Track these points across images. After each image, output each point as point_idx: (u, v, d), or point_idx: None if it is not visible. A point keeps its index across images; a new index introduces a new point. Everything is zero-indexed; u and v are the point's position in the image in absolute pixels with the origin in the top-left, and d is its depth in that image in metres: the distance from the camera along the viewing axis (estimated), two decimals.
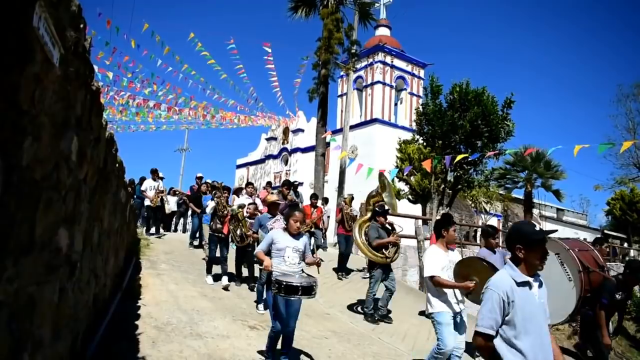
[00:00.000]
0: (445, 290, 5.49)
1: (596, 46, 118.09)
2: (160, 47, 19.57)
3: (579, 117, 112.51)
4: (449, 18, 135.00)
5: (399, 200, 22.90)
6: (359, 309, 8.94)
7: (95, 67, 16.24)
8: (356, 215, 12.01)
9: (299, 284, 4.89)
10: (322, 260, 5.22)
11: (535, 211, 29.63)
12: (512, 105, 13.52)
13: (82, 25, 2.41)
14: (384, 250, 8.45)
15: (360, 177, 22.50)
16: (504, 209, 33.81)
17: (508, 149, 15.17)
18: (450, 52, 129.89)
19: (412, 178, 22.00)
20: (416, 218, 15.53)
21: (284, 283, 4.84)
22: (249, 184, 11.65)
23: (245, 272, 9.41)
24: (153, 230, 13.25)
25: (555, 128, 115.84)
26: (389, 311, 8.91)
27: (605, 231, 36.58)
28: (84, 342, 3.81)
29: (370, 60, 32.42)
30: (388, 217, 9.09)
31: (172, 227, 16.02)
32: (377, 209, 8.95)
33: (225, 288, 8.65)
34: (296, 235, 5.31)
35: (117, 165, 5.13)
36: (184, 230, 15.80)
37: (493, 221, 31.18)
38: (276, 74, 23.16)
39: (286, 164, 37.85)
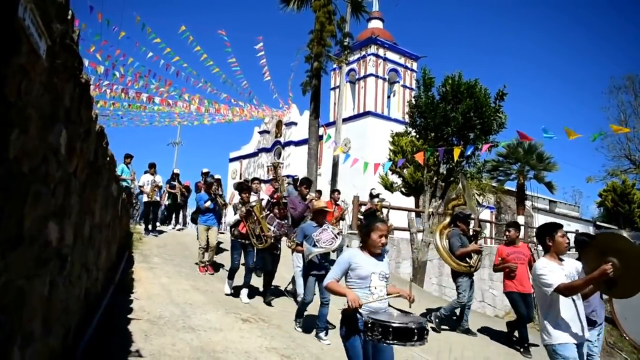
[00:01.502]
0: (567, 313, 4.25)
1: (588, 38, 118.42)
2: (152, 40, 19.45)
3: (571, 109, 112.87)
4: (441, 10, 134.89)
5: (392, 192, 23.02)
6: (430, 317, 8.16)
7: (86, 61, 16.20)
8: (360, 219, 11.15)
9: (413, 327, 3.46)
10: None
11: (528, 203, 29.77)
12: (505, 97, 13.52)
13: (69, 17, 2.39)
14: (467, 258, 8.00)
15: (353, 171, 22.55)
16: (497, 201, 33.93)
17: (500, 141, 15.23)
18: (443, 44, 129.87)
19: (404, 171, 22.04)
20: (409, 210, 15.59)
21: (393, 326, 3.43)
22: (254, 179, 11.04)
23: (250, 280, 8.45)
24: (150, 227, 12.77)
25: (547, 120, 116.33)
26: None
27: (597, 222, 36.82)
28: (75, 336, 3.80)
29: (363, 52, 32.39)
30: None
31: (173, 221, 15.35)
32: (458, 214, 8.43)
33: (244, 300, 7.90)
34: (379, 256, 4.00)
35: (108, 159, 5.10)
36: (184, 224, 15.48)
37: (486, 214, 31.30)
38: (267, 68, 23.11)
39: (279, 157, 37.80)
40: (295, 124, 36.26)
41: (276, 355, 5.44)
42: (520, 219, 26.25)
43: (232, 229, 8.24)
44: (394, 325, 3.42)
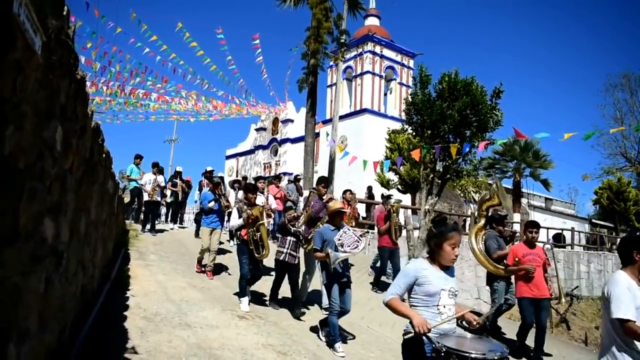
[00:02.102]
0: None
1: (585, 36, 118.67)
2: (148, 38, 19.37)
3: (567, 107, 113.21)
4: (438, 8, 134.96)
5: (388, 190, 23.03)
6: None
7: (82, 58, 16.14)
8: (400, 225, 10.45)
9: (495, 358, 2.93)
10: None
11: (524, 200, 29.85)
12: (501, 95, 13.53)
13: (65, 13, 2.38)
14: (504, 261, 7.64)
15: (349, 168, 22.54)
16: None
17: (496, 138, 15.24)
18: (440, 41, 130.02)
19: (401, 168, 22.06)
20: (405, 208, 15.59)
21: (473, 356, 2.90)
22: (259, 178, 10.29)
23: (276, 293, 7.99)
24: (149, 226, 12.64)
25: (543, 118, 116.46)
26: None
27: (593, 220, 36.90)
28: (72, 333, 3.79)
29: (360, 50, 32.39)
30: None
31: (169, 218, 15.35)
32: (494, 215, 8.12)
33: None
34: (449, 270, 3.49)
35: (104, 155, 5.09)
36: (182, 222, 15.27)
37: None
38: (264, 65, 23.07)
39: (275, 154, 37.78)
40: (292, 121, 36.24)
41: (272, 352, 5.44)
42: (516, 217, 26.31)
43: (236, 233, 7.82)
44: (472, 356, 2.91)
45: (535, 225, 7.69)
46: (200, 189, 13.34)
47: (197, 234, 12.45)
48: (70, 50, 2.58)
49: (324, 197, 8.45)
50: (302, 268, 8.01)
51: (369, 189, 21.64)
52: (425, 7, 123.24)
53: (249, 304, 7.27)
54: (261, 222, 7.38)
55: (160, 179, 13.08)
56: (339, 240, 6.19)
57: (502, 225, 8.15)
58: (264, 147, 39.19)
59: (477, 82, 13.60)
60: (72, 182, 3.09)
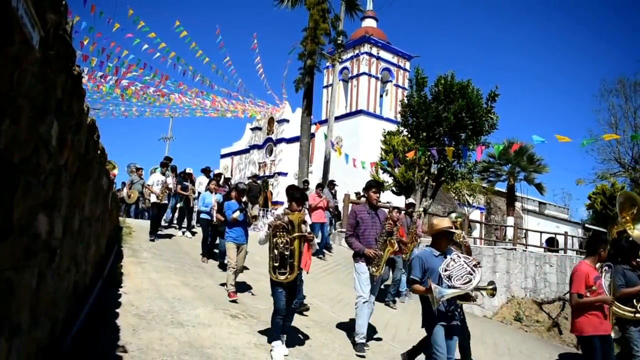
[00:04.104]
0: None
1: (580, 40, 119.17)
2: (146, 34, 19.39)
3: (562, 111, 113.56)
4: (435, 10, 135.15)
5: (383, 192, 23.08)
6: None
7: (79, 53, 16.12)
8: (467, 245, 7.28)
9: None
10: None
11: (518, 204, 29.96)
12: (497, 98, 13.61)
13: (62, 8, 2.38)
14: (634, 301, 6.25)
15: (344, 169, 22.56)
16: (487, 202, 34.11)
17: (491, 141, 15.32)
18: (436, 44, 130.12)
19: (396, 170, 22.11)
20: (399, 209, 15.61)
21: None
22: (305, 181, 9.00)
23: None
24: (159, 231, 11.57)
25: (538, 121, 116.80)
26: None
27: (586, 225, 37.04)
28: (63, 329, 3.79)
29: (356, 51, 32.43)
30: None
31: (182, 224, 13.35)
32: (624, 244, 6.74)
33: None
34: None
35: (99, 152, 5.08)
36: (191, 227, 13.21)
37: (476, 214, 31.45)
38: (262, 65, 23.09)
39: (271, 154, 37.76)
40: (288, 121, 36.22)
41: (264, 352, 5.44)
42: (510, 220, 26.41)
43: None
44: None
45: (604, 241, 5.84)
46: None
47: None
48: (67, 45, 2.58)
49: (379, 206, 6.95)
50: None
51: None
52: (422, 9, 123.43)
53: (283, 349, 5.55)
54: (298, 234, 5.56)
55: (170, 180, 11.97)
56: (446, 271, 4.78)
57: (635, 256, 6.58)
58: (259, 147, 39.15)
59: (473, 85, 13.70)
60: (66, 177, 3.08)
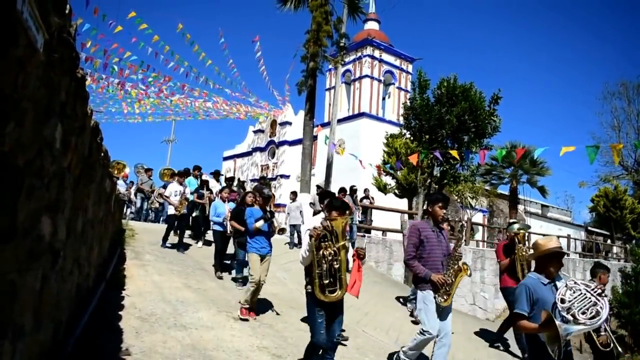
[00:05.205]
0: None
1: (583, 43, 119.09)
2: (149, 35, 19.47)
3: (565, 114, 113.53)
4: (437, 13, 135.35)
5: (385, 194, 23.05)
6: None
7: (83, 55, 16.15)
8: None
9: None
10: None
11: (521, 207, 29.90)
12: (499, 101, 13.60)
13: (67, 11, 2.38)
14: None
15: (346, 171, 22.55)
16: (490, 205, 34.05)
17: (494, 144, 15.31)
18: (439, 47, 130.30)
19: (398, 172, 22.10)
20: (402, 212, 15.62)
21: None
22: (342, 190, 8.15)
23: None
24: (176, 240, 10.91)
25: (541, 124, 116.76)
26: None
27: (589, 228, 37.00)
28: (66, 331, 3.79)
29: (359, 54, 32.44)
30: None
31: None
32: None
33: None
34: None
35: (102, 154, 5.08)
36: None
37: (478, 217, 31.40)
38: (265, 67, 23.14)
39: (273, 156, 37.78)
40: (290, 123, 36.25)
41: (267, 355, 5.44)
42: None
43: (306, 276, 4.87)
44: None
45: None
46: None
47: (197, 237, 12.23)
48: (71, 48, 2.59)
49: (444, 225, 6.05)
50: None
51: (365, 191, 21.67)
52: (425, 12, 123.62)
53: None
54: (343, 242, 4.74)
55: (189, 190, 11.31)
56: (564, 302, 3.85)
57: None
58: (261, 149, 39.18)
59: (476, 87, 13.69)
60: (70, 180, 3.09)
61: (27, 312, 2.31)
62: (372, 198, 18.42)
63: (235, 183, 10.79)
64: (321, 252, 4.64)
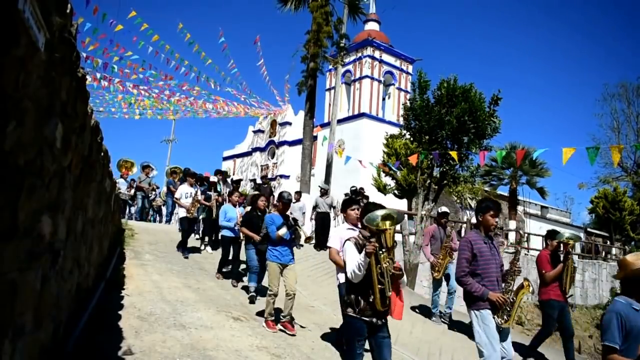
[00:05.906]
0: None
1: (583, 44, 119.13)
2: (150, 35, 19.42)
3: (564, 115, 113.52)
4: (437, 14, 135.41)
5: (385, 195, 23.07)
6: None
7: (83, 54, 16.13)
8: (575, 267, 7.34)
9: None
10: None
11: (520, 208, 29.90)
12: (499, 102, 13.58)
13: (68, 11, 2.38)
14: None
15: (346, 171, 22.55)
16: None
17: (494, 145, 15.29)
18: (439, 48, 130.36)
19: (398, 173, 22.10)
20: (404, 213, 15.60)
21: None
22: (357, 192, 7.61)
23: None
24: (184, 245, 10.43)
25: (541, 126, 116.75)
26: None
27: (588, 229, 37.00)
28: (66, 331, 3.78)
29: (359, 54, 32.49)
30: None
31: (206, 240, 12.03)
32: None
33: None
34: None
35: (102, 154, 5.08)
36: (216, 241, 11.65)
37: None
38: (265, 67, 23.12)
39: (273, 156, 37.80)
40: (290, 123, 36.29)
41: (267, 354, 5.44)
42: (512, 224, 26.37)
43: (347, 295, 4.30)
44: None
45: None
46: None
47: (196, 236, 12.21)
48: (72, 47, 2.59)
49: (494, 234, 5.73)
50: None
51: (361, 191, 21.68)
52: (425, 13, 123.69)
53: None
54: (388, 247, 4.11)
55: (199, 192, 10.81)
56: None
57: None
58: (261, 149, 39.22)
59: (476, 88, 13.66)
60: (70, 179, 3.09)
61: (27, 312, 2.31)
62: (367, 197, 18.40)
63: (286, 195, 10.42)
64: (379, 266, 3.99)
